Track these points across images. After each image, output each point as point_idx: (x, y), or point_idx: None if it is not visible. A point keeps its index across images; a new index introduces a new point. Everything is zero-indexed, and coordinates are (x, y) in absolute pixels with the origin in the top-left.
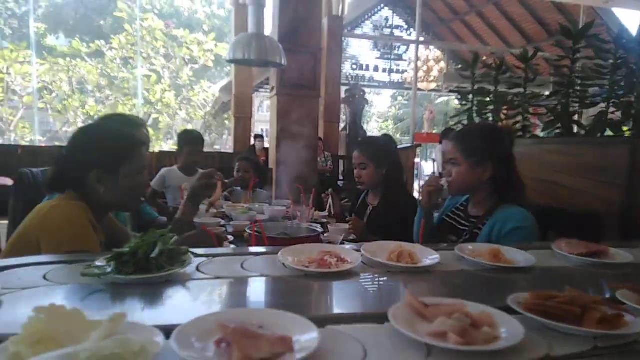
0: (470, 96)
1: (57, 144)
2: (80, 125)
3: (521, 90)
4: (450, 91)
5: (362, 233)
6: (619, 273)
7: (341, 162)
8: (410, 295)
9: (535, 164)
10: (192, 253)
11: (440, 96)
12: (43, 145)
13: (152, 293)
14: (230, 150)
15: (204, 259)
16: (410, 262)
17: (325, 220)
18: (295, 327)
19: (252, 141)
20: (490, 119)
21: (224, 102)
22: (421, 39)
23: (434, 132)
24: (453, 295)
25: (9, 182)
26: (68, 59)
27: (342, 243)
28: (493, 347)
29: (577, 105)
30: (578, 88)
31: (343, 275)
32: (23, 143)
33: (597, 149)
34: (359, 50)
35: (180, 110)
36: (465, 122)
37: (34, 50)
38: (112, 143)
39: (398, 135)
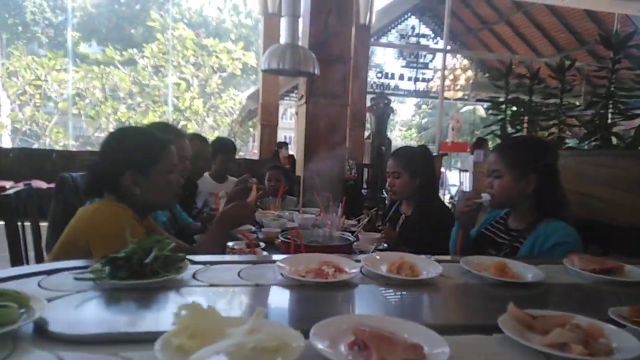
0: (503, 106)
1: (89, 148)
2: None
3: (557, 100)
4: (478, 100)
5: (394, 242)
6: (632, 292)
7: (365, 170)
8: (514, 307)
9: (571, 176)
10: (190, 260)
11: (465, 105)
12: (75, 150)
13: (146, 298)
14: (255, 157)
15: (201, 266)
16: (410, 274)
17: (354, 229)
18: (425, 338)
19: (276, 149)
20: (525, 129)
21: (251, 109)
22: (448, 47)
23: (459, 141)
24: (448, 310)
25: (43, 185)
26: (102, 66)
27: (373, 252)
28: (614, 357)
29: (616, 116)
30: (617, 99)
31: (340, 286)
32: (57, 147)
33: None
34: (383, 59)
35: (208, 117)
36: (498, 132)
37: (70, 58)
38: (140, 145)
39: (414, 144)
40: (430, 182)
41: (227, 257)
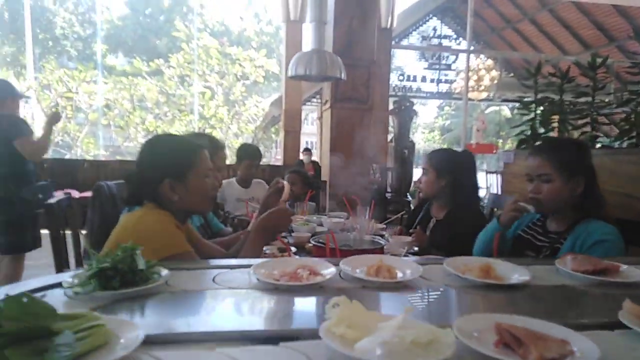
0: (533, 106)
1: (118, 157)
2: (140, 140)
3: (588, 99)
4: (503, 100)
5: (425, 246)
6: (626, 293)
7: (389, 173)
8: (630, 303)
9: (607, 175)
10: (163, 267)
11: (489, 106)
12: (105, 159)
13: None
14: (279, 163)
15: (175, 272)
16: (387, 276)
17: (384, 233)
18: (566, 336)
19: (300, 155)
20: (555, 129)
21: (274, 115)
22: (471, 47)
23: (484, 142)
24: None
25: (76, 194)
26: (130, 77)
27: (405, 255)
28: None
29: None
30: None
31: (315, 289)
32: (88, 157)
33: None
34: (405, 61)
35: (232, 124)
36: (528, 133)
37: (100, 70)
38: (174, 152)
39: (445, 147)
40: (465, 186)
41: (205, 263)
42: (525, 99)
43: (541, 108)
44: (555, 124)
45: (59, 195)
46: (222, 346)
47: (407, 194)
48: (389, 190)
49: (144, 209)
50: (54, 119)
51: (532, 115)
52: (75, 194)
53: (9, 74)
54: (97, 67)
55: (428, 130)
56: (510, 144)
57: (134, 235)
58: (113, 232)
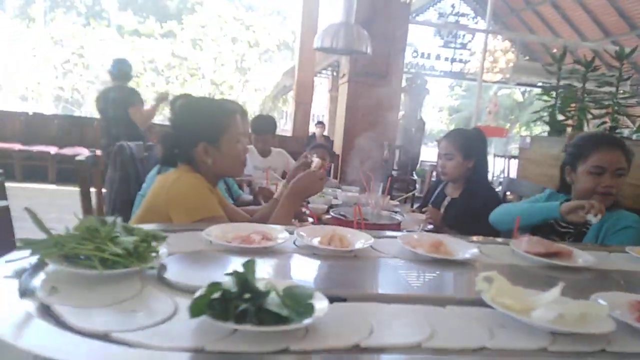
0: (554, 92)
1: None
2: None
3: (612, 89)
4: (517, 84)
5: (440, 223)
6: (568, 276)
7: (397, 151)
8: None
9: (633, 168)
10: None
11: (500, 88)
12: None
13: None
14: (288, 134)
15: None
16: (339, 245)
17: (397, 209)
18: None
19: (314, 128)
20: (575, 117)
21: (285, 85)
22: (490, 27)
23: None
24: (360, 280)
25: (85, 151)
26: (143, 37)
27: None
28: None
29: None
30: None
31: (266, 252)
32: (98, 116)
33: None
34: (418, 38)
35: (242, 92)
36: (546, 119)
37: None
38: (210, 117)
39: (453, 127)
40: (483, 164)
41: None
42: (546, 84)
43: (563, 95)
44: (574, 112)
45: (63, 151)
46: None
47: (414, 172)
48: (395, 167)
49: (178, 170)
50: (162, 98)
51: (552, 101)
52: (85, 151)
53: (20, 25)
54: (109, 25)
55: (437, 109)
56: (518, 129)
57: (168, 198)
58: (150, 191)
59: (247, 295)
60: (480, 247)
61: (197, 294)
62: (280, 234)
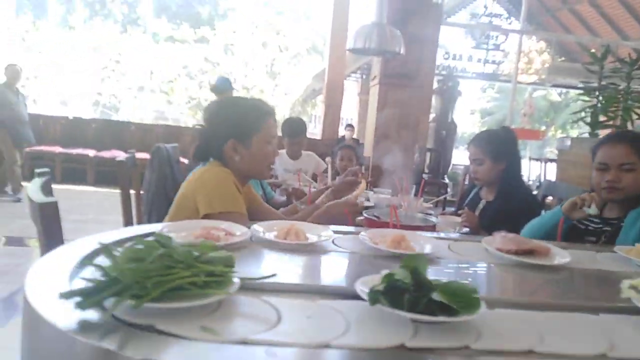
0: (596, 92)
1: (161, 122)
2: (184, 106)
3: None
4: (553, 85)
5: (476, 226)
6: (538, 275)
7: (428, 154)
8: None
9: None
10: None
11: (535, 89)
12: (150, 123)
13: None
14: (317, 137)
15: None
16: (294, 239)
17: (431, 212)
18: None
19: (343, 131)
20: (619, 117)
21: (314, 89)
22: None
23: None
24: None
25: (122, 154)
26: (177, 43)
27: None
28: None
29: None
30: None
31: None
32: (134, 121)
33: None
34: (450, 39)
35: (273, 96)
36: (587, 120)
37: (149, 35)
38: (243, 115)
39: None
40: (515, 165)
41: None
42: (587, 85)
43: (605, 94)
44: (618, 112)
45: (101, 154)
46: None
47: (445, 176)
48: (426, 171)
49: (208, 165)
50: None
51: (593, 101)
52: (122, 154)
53: (61, 32)
54: (145, 32)
55: (469, 112)
56: (554, 131)
57: (196, 187)
58: (182, 186)
59: (417, 287)
60: (450, 244)
61: (372, 286)
62: (239, 229)
